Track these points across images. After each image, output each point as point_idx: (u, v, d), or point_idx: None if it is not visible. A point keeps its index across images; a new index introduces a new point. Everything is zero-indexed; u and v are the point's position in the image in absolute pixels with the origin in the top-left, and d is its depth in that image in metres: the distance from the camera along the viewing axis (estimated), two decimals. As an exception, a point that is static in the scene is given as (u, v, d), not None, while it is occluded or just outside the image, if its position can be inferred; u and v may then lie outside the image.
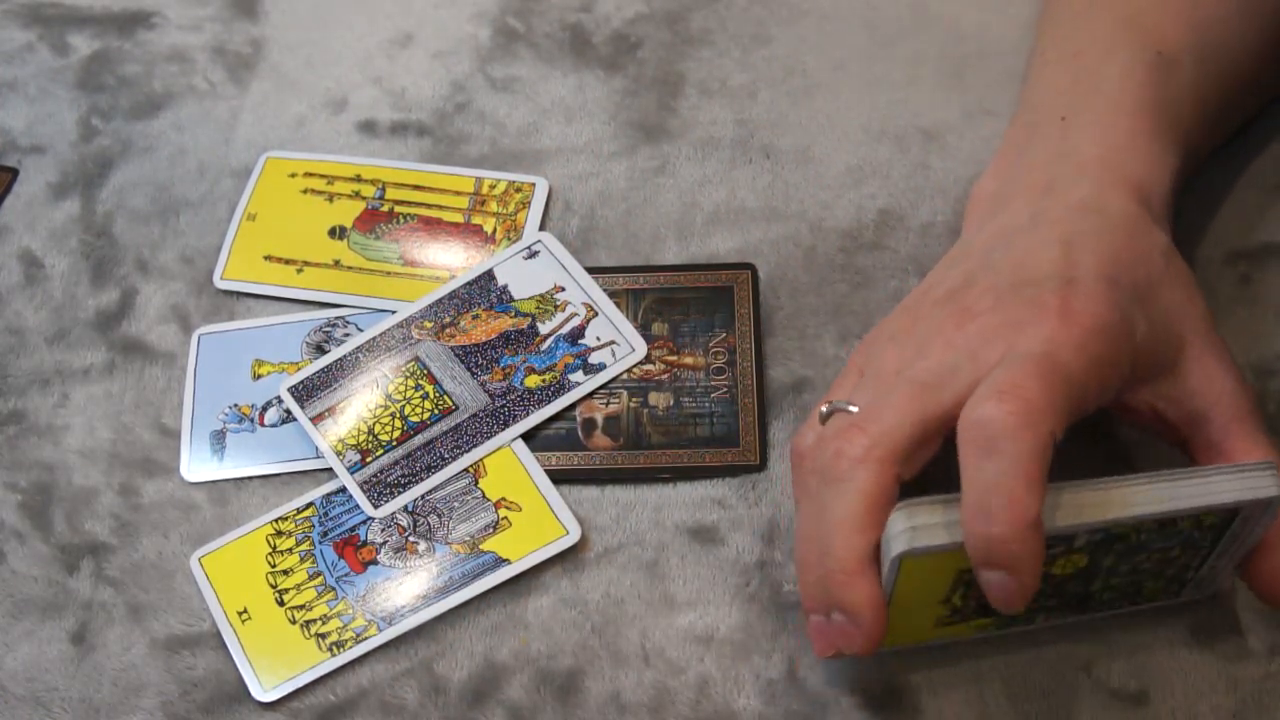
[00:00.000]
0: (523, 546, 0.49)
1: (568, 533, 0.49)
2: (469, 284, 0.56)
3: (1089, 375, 0.40)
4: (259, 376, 0.55)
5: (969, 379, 0.41)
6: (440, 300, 0.56)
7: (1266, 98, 0.58)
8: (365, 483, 0.51)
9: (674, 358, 0.54)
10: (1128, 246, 0.44)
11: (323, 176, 0.61)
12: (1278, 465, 0.41)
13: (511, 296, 0.56)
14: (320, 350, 0.55)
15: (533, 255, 0.57)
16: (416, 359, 0.54)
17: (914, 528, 0.39)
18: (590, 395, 0.53)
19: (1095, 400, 0.41)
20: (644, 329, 0.54)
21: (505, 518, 0.50)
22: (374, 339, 0.55)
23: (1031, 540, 0.37)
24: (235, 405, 0.54)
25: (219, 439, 0.53)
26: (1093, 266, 0.43)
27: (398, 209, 0.59)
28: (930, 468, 0.42)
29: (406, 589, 0.49)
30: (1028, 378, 0.39)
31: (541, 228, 0.58)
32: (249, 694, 0.47)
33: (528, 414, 0.52)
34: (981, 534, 0.38)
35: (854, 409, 0.43)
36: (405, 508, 0.51)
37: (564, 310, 0.55)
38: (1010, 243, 0.45)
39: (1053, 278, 0.42)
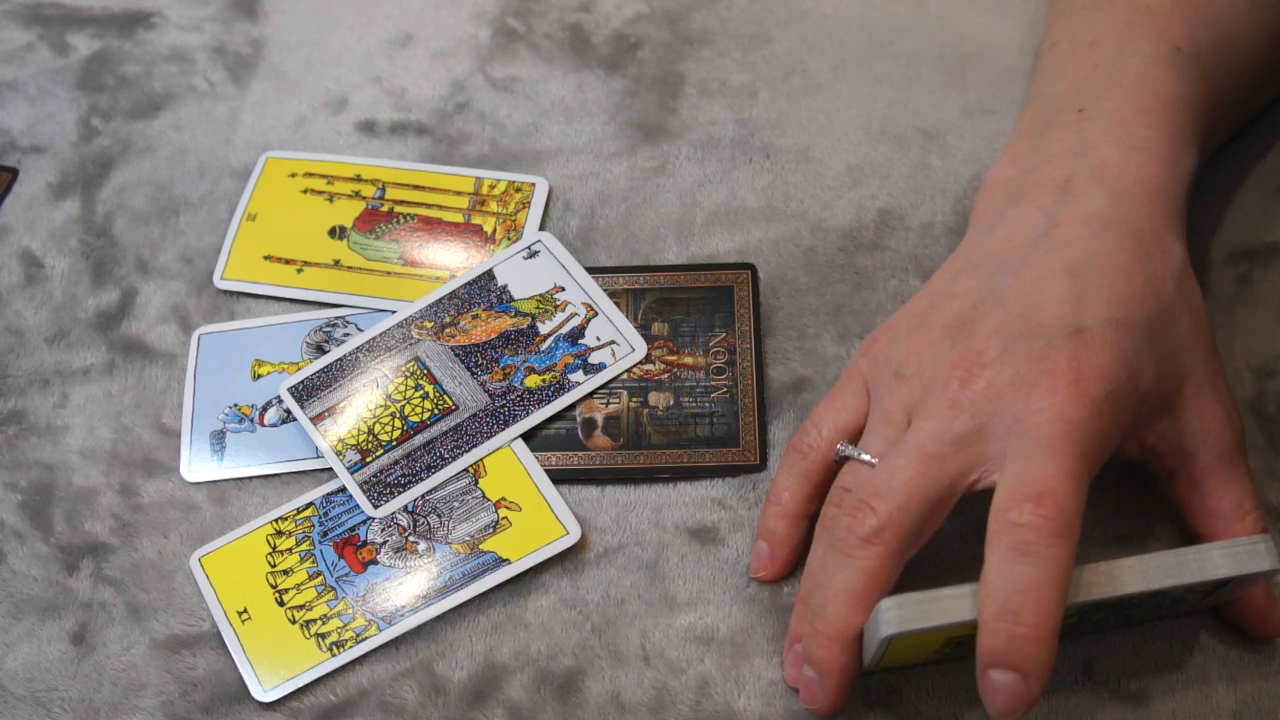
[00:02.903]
0: (523, 546, 0.49)
1: (568, 533, 0.49)
2: (469, 284, 0.56)
3: (1102, 444, 0.41)
4: (259, 376, 0.55)
5: (977, 452, 0.42)
6: (440, 300, 0.56)
7: (1271, 97, 0.58)
8: (365, 483, 0.51)
9: (674, 358, 0.54)
10: (1141, 272, 0.44)
11: (323, 176, 0.61)
12: (1274, 537, 0.42)
13: (511, 296, 0.56)
14: (320, 350, 0.55)
15: (533, 255, 0.57)
16: (416, 359, 0.54)
17: (903, 614, 0.40)
18: (590, 395, 0.53)
19: (1102, 461, 0.42)
20: (644, 329, 0.54)
21: (505, 518, 0.50)
22: (374, 339, 0.55)
23: (1051, 645, 0.38)
24: (235, 405, 0.54)
25: (219, 439, 0.53)
26: (1103, 310, 0.43)
27: (398, 209, 0.59)
28: None
29: (406, 589, 0.49)
30: (1059, 478, 0.39)
31: (541, 228, 0.58)
32: (249, 694, 0.47)
33: (528, 414, 0.52)
34: (1005, 631, 0.38)
35: (866, 456, 0.44)
36: (405, 508, 0.51)
37: (564, 310, 0.55)
38: (1023, 261, 0.45)
39: (1062, 327, 0.42)
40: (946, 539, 0.48)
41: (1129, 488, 0.49)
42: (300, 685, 0.47)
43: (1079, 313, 0.42)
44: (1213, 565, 0.41)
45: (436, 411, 0.53)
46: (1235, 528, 0.44)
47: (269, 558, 0.50)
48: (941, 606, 0.40)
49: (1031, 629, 0.38)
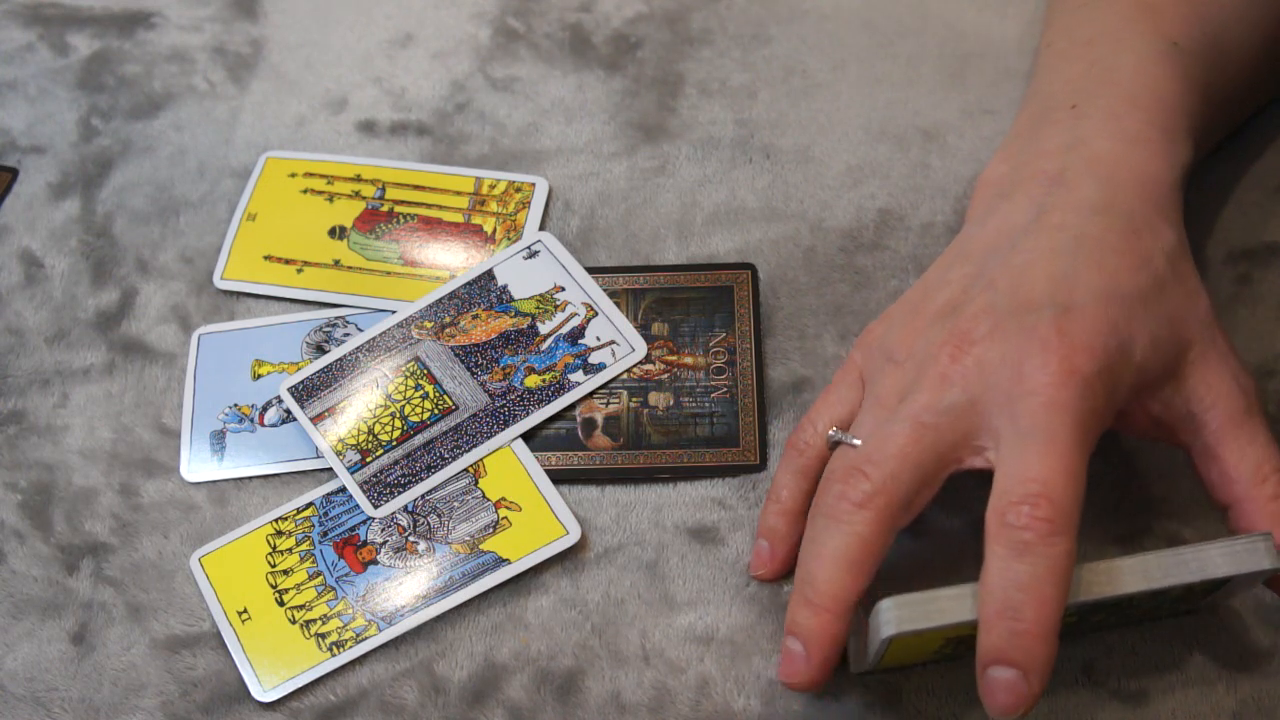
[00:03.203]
0: (523, 546, 0.49)
1: (568, 533, 0.49)
2: (469, 284, 0.56)
3: (1098, 422, 0.41)
4: (259, 376, 0.55)
5: (970, 425, 0.42)
6: (440, 300, 0.56)
7: (1268, 95, 0.58)
8: (365, 483, 0.51)
9: (674, 358, 0.54)
10: (1130, 250, 0.44)
11: (323, 176, 0.61)
12: (1275, 535, 0.41)
13: (511, 296, 0.56)
14: (320, 350, 0.55)
15: (533, 255, 0.57)
16: (416, 359, 0.54)
17: (902, 614, 0.40)
18: (590, 395, 0.53)
19: (1097, 437, 0.42)
20: (644, 329, 0.54)
21: (505, 518, 0.50)
22: (374, 339, 0.55)
23: (1052, 642, 0.38)
24: (235, 405, 0.54)
25: (219, 439, 0.53)
26: (1092, 283, 0.42)
27: (398, 209, 0.59)
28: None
29: (406, 589, 0.49)
30: (1056, 474, 0.39)
31: (541, 228, 0.58)
32: (249, 694, 0.47)
33: (528, 414, 0.52)
34: (1006, 628, 0.38)
35: (857, 442, 0.44)
36: (405, 508, 0.51)
37: (564, 310, 0.55)
38: (1012, 247, 0.45)
39: (1051, 305, 0.42)
40: (947, 539, 0.48)
41: (1128, 487, 0.49)
42: (300, 685, 0.47)
43: (1068, 290, 0.42)
44: (1212, 564, 0.41)
45: (436, 411, 0.53)
46: (1255, 492, 0.42)
47: (269, 558, 0.50)
48: (941, 607, 0.40)
49: (1033, 625, 0.38)
